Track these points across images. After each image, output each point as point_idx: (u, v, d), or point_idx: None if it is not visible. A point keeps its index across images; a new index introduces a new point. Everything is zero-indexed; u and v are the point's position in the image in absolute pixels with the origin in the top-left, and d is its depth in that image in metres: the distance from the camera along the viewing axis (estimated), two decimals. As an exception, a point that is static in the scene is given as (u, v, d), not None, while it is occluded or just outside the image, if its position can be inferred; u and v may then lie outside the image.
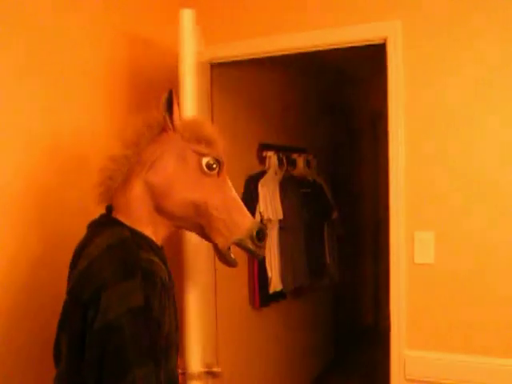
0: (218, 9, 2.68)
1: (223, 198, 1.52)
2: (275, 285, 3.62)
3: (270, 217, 3.50)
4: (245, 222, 1.54)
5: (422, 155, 2.32)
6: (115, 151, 1.49)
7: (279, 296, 3.79)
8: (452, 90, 2.27)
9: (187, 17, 2.06)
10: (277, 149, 3.80)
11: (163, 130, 1.51)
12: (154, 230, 1.48)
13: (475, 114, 2.24)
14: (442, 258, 2.30)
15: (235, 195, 1.56)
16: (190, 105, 2.05)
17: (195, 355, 2.04)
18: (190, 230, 1.60)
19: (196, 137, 1.51)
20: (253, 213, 3.41)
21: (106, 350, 1.23)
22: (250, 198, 3.43)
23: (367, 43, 2.44)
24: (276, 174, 3.72)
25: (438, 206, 2.30)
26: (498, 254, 2.22)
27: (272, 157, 3.72)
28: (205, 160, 1.50)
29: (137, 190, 1.45)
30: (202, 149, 1.51)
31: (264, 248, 1.58)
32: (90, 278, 1.30)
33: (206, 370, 2.04)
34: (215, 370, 2.04)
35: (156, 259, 1.39)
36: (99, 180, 1.48)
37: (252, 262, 3.52)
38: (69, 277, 1.42)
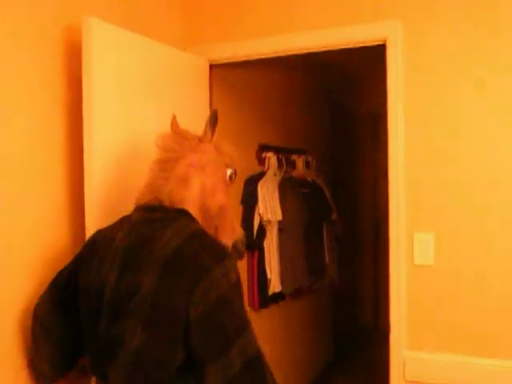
0: (218, 10, 2.68)
1: (232, 205, 1.83)
2: (274, 286, 3.62)
3: (270, 218, 3.49)
4: (238, 228, 1.90)
5: (421, 156, 2.32)
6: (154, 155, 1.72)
7: (278, 297, 3.79)
8: (452, 90, 2.27)
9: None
10: (276, 150, 3.80)
11: (200, 141, 1.76)
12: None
13: (476, 114, 2.24)
14: (441, 259, 2.30)
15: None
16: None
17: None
18: (206, 229, 1.68)
19: (223, 150, 1.80)
20: (252, 214, 3.41)
21: (223, 319, 1.45)
22: (250, 199, 3.43)
23: (367, 44, 2.45)
24: (275, 175, 3.72)
25: (438, 207, 2.30)
26: (497, 256, 2.22)
27: (271, 158, 3.71)
28: (229, 171, 1.80)
29: (196, 189, 1.68)
30: (227, 161, 1.80)
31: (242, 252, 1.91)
32: (187, 261, 1.49)
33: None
34: None
35: None
36: (152, 180, 1.69)
37: (251, 264, 3.52)
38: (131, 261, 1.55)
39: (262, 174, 3.60)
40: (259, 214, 3.45)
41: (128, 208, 2.16)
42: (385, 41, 2.36)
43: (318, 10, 2.47)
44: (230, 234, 1.81)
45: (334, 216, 4.42)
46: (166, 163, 1.68)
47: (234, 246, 1.83)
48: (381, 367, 2.56)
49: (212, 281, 1.45)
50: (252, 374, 1.46)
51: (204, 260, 1.48)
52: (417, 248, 2.34)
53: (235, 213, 2.99)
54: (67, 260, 1.80)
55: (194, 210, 1.66)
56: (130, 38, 2.19)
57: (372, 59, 2.77)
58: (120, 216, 1.74)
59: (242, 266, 3.40)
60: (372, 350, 2.92)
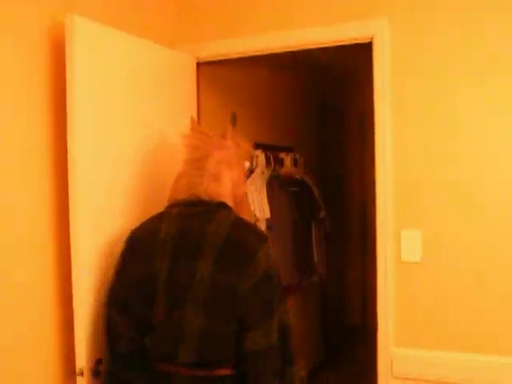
0: (205, 7, 2.68)
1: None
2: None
3: (258, 216, 3.48)
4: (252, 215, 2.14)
5: (408, 155, 2.33)
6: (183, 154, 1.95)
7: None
8: (439, 87, 2.28)
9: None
10: (264, 148, 3.79)
11: (222, 137, 1.99)
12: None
13: (463, 111, 2.25)
14: (428, 256, 2.31)
15: None
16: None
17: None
18: None
19: (241, 145, 2.04)
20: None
21: (268, 292, 1.73)
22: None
23: (354, 42, 2.45)
24: (263, 172, 3.71)
25: (425, 205, 2.31)
26: (484, 253, 2.23)
27: (259, 156, 3.71)
28: (247, 164, 2.09)
29: (227, 183, 1.92)
30: (245, 155, 2.08)
31: None
32: (236, 246, 1.75)
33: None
34: None
35: None
36: (187, 178, 1.90)
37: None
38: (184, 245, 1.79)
39: (249, 172, 3.59)
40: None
41: (116, 207, 2.17)
42: (371, 38, 2.37)
43: (306, 8, 2.47)
44: (249, 217, 2.09)
45: (323, 214, 4.42)
46: (197, 162, 1.90)
47: None
48: (370, 364, 2.56)
49: (258, 260, 1.72)
50: (285, 339, 1.74)
51: (250, 244, 1.76)
52: (404, 245, 2.35)
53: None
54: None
55: (229, 201, 1.90)
56: (115, 36, 2.17)
57: (360, 58, 2.78)
58: (109, 217, 1.94)
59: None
60: (361, 348, 2.93)
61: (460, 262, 2.27)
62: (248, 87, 3.78)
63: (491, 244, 2.22)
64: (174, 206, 1.89)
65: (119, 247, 1.93)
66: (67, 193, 2.00)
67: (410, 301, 2.35)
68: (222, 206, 1.86)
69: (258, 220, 2.14)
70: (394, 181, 2.35)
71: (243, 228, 1.83)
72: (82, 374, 1.96)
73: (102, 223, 2.11)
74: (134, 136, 2.28)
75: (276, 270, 1.79)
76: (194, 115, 2.72)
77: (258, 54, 2.64)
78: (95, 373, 1.97)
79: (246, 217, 1.98)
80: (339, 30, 2.42)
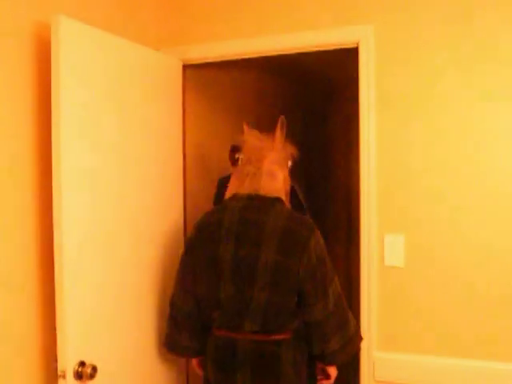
0: (192, 9, 2.67)
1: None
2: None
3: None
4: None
5: (392, 160, 2.35)
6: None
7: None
8: (424, 92, 2.30)
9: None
10: (249, 151, 3.78)
11: (273, 141, 2.31)
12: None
13: (450, 116, 2.27)
14: (411, 260, 2.33)
15: None
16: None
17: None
18: None
19: (287, 147, 2.36)
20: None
21: (322, 273, 2.10)
22: (222, 200, 3.41)
23: (340, 47, 2.47)
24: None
25: (408, 209, 2.33)
26: (467, 257, 2.26)
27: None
28: (290, 163, 2.38)
29: (281, 180, 2.26)
30: (289, 156, 2.36)
31: None
32: (293, 236, 2.08)
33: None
34: None
35: None
36: (248, 176, 2.22)
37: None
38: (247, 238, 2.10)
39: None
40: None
41: (103, 210, 2.15)
42: (357, 44, 2.39)
43: (293, 13, 2.48)
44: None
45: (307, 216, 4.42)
46: (257, 162, 2.22)
47: None
48: (352, 367, 2.57)
49: (311, 247, 2.07)
50: (340, 308, 2.14)
51: (303, 233, 2.09)
52: (387, 250, 2.36)
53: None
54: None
55: (282, 196, 2.24)
56: (101, 37, 2.16)
57: (345, 63, 2.79)
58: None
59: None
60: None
61: (443, 267, 2.29)
62: (234, 90, 3.78)
63: (475, 249, 2.25)
64: (234, 199, 2.20)
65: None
66: (51, 197, 1.98)
67: (392, 305, 2.36)
68: (277, 200, 2.19)
69: None
70: (378, 185, 2.36)
71: (296, 220, 2.13)
72: (64, 376, 1.94)
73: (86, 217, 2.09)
74: (121, 141, 2.27)
75: (325, 253, 2.14)
76: (180, 117, 2.72)
77: (244, 57, 2.64)
78: (78, 375, 1.96)
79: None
80: (325, 35, 2.43)
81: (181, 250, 2.47)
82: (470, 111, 2.24)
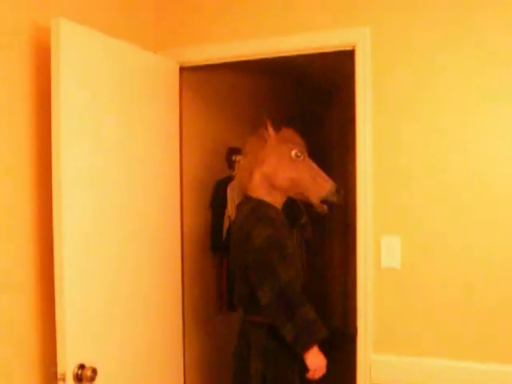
0: (189, 12, 2.67)
1: (309, 172, 2.59)
2: (244, 289, 3.63)
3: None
4: (325, 185, 2.59)
5: (389, 162, 2.35)
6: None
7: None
8: (420, 95, 2.30)
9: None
10: (246, 153, 3.78)
11: (265, 141, 2.59)
12: (271, 199, 2.54)
13: (446, 119, 2.27)
14: (408, 262, 2.33)
15: (317, 169, 2.63)
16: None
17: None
18: (296, 196, 2.67)
19: (285, 139, 2.59)
20: (221, 217, 3.40)
21: (263, 261, 2.35)
22: (219, 202, 3.41)
23: (336, 49, 2.47)
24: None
25: (405, 211, 2.33)
26: (463, 259, 2.26)
27: (241, 161, 3.70)
28: (293, 152, 2.57)
29: (257, 178, 2.55)
30: (290, 145, 2.57)
31: (341, 197, 2.62)
32: (242, 230, 2.46)
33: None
34: None
35: (274, 211, 2.50)
36: (239, 177, 2.72)
37: (220, 266, 3.50)
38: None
39: (231, 178, 3.59)
40: (228, 217, 3.44)
41: (103, 210, 2.15)
42: (354, 46, 2.39)
43: (289, 15, 2.48)
44: (316, 193, 2.58)
45: (304, 219, 4.42)
46: (243, 165, 2.66)
47: (324, 201, 2.58)
48: (349, 368, 2.57)
49: (252, 238, 2.36)
50: (282, 301, 2.33)
51: (249, 225, 2.42)
52: (384, 251, 2.36)
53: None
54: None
55: (262, 192, 2.53)
56: (100, 40, 2.17)
57: (344, 66, 2.80)
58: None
59: (210, 268, 3.39)
60: (341, 354, 2.94)
61: (440, 268, 2.29)
62: (231, 93, 3.78)
63: (472, 250, 2.25)
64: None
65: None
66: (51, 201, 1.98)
67: (389, 307, 2.36)
68: (249, 198, 2.54)
69: (332, 194, 2.61)
70: (375, 187, 2.37)
71: (249, 213, 2.46)
72: (64, 379, 1.93)
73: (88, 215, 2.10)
74: (120, 142, 2.27)
75: (267, 244, 2.34)
76: (177, 119, 2.72)
77: (241, 59, 2.64)
78: (78, 378, 1.95)
79: (313, 196, 2.59)
80: (322, 38, 2.44)
81: (179, 249, 2.48)
82: (470, 111, 2.24)
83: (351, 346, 2.47)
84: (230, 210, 3.43)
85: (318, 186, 2.58)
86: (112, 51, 2.23)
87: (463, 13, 2.23)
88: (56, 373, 1.94)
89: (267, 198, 2.53)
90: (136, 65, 2.39)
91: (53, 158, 1.95)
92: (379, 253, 2.37)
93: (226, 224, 3.41)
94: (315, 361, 2.34)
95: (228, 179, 3.54)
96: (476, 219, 2.24)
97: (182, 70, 2.77)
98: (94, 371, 1.97)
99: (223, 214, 3.41)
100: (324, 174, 2.61)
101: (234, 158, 3.67)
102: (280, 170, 2.53)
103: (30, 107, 2.02)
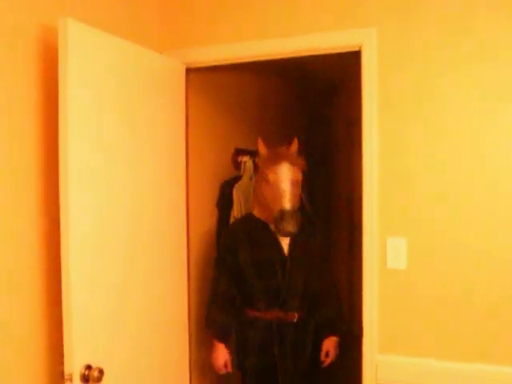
0: (195, 13, 2.68)
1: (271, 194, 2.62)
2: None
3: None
4: (275, 207, 2.58)
5: (395, 163, 2.35)
6: None
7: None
8: (426, 95, 2.30)
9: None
10: (252, 154, 3.80)
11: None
12: (258, 211, 2.78)
13: (453, 120, 2.27)
14: (413, 263, 2.33)
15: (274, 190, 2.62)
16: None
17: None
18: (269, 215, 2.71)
19: (263, 162, 2.72)
20: (227, 217, 3.41)
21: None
22: (225, 203, 3.42)
23: (342, 50, 2.47)
24: (251, 179, 3.71)
25: (411, 212, 2.33)
26: (469, 260, 2.25)
27: (247, 162, 3.70)
28: (270, 177, 2.61)
29: (254, 196, 2.84)
30: (264, 170, 2.66)
31: (285, 225, 2.51)
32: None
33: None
34: None
35: (242, 224, 2.84)
36: None
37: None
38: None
39: (237, 178, 3.59)
40: (234, 218, 3.45)
41: (113, 216, 2.15)
42: (360, 47, 2.39)
43: (296, 16, 2.49)
44: (267, 214, 2.68)
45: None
46: None
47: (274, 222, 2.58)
48: (355, 369, 2.57)
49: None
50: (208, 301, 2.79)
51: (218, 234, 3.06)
52: (390, 253, 2.36)
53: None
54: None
55: (255, 208, 2.81)
56: (108, 40, 2.17)
57: (348, 67, 2.80)
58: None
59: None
60: (346, 354, 2.94)
61: (445, 270, 2.29)
62: (237, 94, 3.79)
63: (477, 252, 2.25)
64: None
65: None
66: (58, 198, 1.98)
67: (395, 308, 2.36)
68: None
69: (280, 217, 2.55)
70: (381, 188, 2.37)
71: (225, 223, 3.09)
72: (71, 379, 1.93)
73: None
74: (126, 142, 2.28)
75: (220, 248, 2.84)
76: (183, 120, 2.73)
77: (247, 60, 2.64)
78: (85, 379, 1.95)
79: (265, 216, 2.71)
80: (328, 38, 2.44)
81: (185, 250, 2.48)
82: (472, 111, 2.24)
83: (357, 346, 2.47)
84: (236, 210, 3.44)
85: (269, 209, 2.66)
86: (119, 51, 2.24)
87: (465, 11, 2.23)
88: (63, 372, 1.94)
89: (255, 212, 2.81)
90: (142, 65, 2.40)
91: (60, 159, 1.96)
92: (385, 254, 2.37)
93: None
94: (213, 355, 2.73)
95: (234, 180, 3.55)
96: (481, 220, 2.23)
97: (188, 71, 2.77)
98: (101, 372, 1.98)
99: (229, 214, 3.42)
100: (280, 195, 2.60)
101: (240, 159, 3.68)
102: (259, 190, 2.72)
103: (35, 107, 2.03)
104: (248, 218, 2.84)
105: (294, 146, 2.74)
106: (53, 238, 2.01)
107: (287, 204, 2.53)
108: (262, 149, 2.75)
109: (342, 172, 5.60)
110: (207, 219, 3.30)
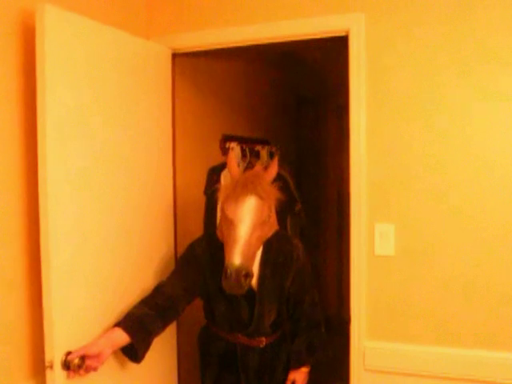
0: (181, -2, 2.65)
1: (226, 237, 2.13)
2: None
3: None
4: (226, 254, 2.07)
5: (383, 148, 2.34)
6: None
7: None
8: (414, 81, 2.28)
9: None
10: (240, 140, 3.78)
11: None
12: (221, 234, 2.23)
13: (440, 105, 2.26)
14: (401, 249, 2.33)
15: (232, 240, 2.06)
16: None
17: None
18: None
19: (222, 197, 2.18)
20: (215, 204, 3.39)
21: None
22: (212, 188, 3.40)
23: (329, 35, 2.45)
24: (239, 165, 3.69)
25: (399, 199, 2.33)
26: (456, 246, 2.26)
27: (235, 148, 3.69)
28: (226, 212, 2.11)
29: None
30: (224, 204, 2.14)
31: (227, 285, 2.01)
32: None
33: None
34: None
35: (209, 247, 2.30)
36: None
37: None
38: None
39: (225, 165, 3.57)
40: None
41: (91, 209, 2.12)
42: (347, 32, 2.37)
43: (280, 0, 2.46)
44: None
45: (298, 207, 4.42)
46: None
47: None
48: (343, 357, 2.58)
49: None
50: None
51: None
52: (377, 239, 2.36)
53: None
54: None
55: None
56: (89, 26, 2.13)
57: (337, 52, 2.78)
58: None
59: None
60: (335, 340, 2.95)
61: (433, 256, 2.29)
62: (224, 79, 3.76)
63: (465, 238, 2.25)
64: None
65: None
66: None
67: (382, 294, 2.37)
68: None
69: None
70: (369, 174, 2.36)
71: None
72: (51, 366, 1.92)
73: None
74: (110, 134, 2.25)
75: (182, 260, 2.35)
76: (169, 106, 2.70)
77: (234, 45, 2.62)
78: (65, 366, 1.93)
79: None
80: (315, 23, 2.42)
81: (171, 248, 2.54)
82: (468, 100, 2.24)
83: (345, 332, 2.48)
84: (224, 197, 3.41)
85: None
86: (99, 37, 2.19)
87: (463, 9, 2.21)
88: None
89: (219, 234, 2.27)
90: (124, 50, 2.35)
91: (39, 149, 1.92)
92: (373, 240, 2.37)
93: (220, 212, 3.41)
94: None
95: (222, 166, 3.53)
96: (471, 208, 2.24)
97: (175, 56, 2.74)
98: (82, 359, 1.94)
99: (217, 200, 3.40)
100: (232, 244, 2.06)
101: (228, 145, 3.66)
102: (220, 217, 2.27)
103: (15, 97, 1.99)
104: (212, 240, 2.32)
105: (272, 171, 2.26)
106: (37, 236, 1.99)
107: (236, 259, 2.00)
108: (232, 169, 2.27)
109: (332, 156, 5.60)
110: (196, 207, 3.27)
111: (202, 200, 3.31)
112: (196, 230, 3.08)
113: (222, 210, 2.15)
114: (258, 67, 4.26)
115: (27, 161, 2.02)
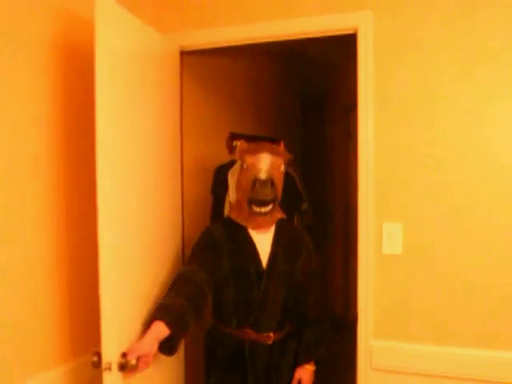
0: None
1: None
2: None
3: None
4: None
5: (391, 147, 2.33)
6: None
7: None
8: (421, 81, 2.28)
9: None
10: (247, 138, 3.76)
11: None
12: (234, 214, 2.50)
13: (448, 105, 2.26)
14: (409, 249, 2.32)
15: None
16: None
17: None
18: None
19: (239, 157, 2.49)
20: (222, 202, 3.38)
21: None
22: (220, 187, 3.39)
23: (338, 33, 2.44)
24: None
25: (406, 198, 2.32)
26: (464, 246, 2.25)
27: (243, 145, 3.67)
28: (241, 162, 2.40)
29: None
30: (242, 157, 2.45)
31: (259, 193, 2.28)
32: None
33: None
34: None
35: (223, 228, 2.44)
36: None
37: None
38: None
39: (232, 163, 3.56)
40: (229, 203, 3.42)
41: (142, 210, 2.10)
42: (356, 30, 2.36)
43: (290, -2, 2.46)
44: (244, 213, 2.43)
45: (305, 205, 4.41)
46: None
47: None
48: (349, 356, 2.57)
49: None
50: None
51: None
52: (385, 238, 2.35)
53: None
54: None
55: (234, 211, 2.53)
56: (127, 19, 2.11)
57: (346, 49, 2.77)
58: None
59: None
60: (342, 339, 2.94)
61: (441, 256, 2.28)
62: (231, 77, 3.76)
63: (471, 238, 2.25)
64: None
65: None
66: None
67: (390, 293, 2.36)
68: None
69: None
70: (377, 173, 2.35)
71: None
72: (109, 368, 1.87)
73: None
74: (134, 131, 2.24)
75: (194, 246, 2.37)
76: (178, 105, 2.69)
77: (242, 43, 2.61)
78: (122, 367, 1.89)
79: (242, 205, 2.41)
80: (324, 21, 2.41)
81: (179, 244, 2.55)
82: (474, 101, 2.23)
83: (352, 331, 2.47)
84: (231, 195, 3.40)
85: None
86: (132, 31, 2.17)
87: (467, 10, 2.21)
88: (96, 362, 1.88)
89: (233, 215, 2.52)
90: (146, 46, 2.31)
91: (97, 140, 1.92)
92: (380, 239, 2.36)
93: (227, 210, 3.40)
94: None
95: (229, 164, 3.51)
96: (478, 207, 2.23)
97: (183, 54, 2.74)
98: (138, 359, 1.90)
99: (224, 199, 3.39)
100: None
101: (235, 143, 3.64)
102: (234, 184, 2.58)
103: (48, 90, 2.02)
104: (227, 222, 2.48)
105: (279, 146, 2.51)
106: (74, 228, 2.08)
107: (262, 175, 2.27)
108: (242, 144, 2.53)
109: (339, 154, 5.58)
110: (201, 208, 3.27)
111: (208, 199, 3.30)
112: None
113: (241, 167, 2.38)
114: (265, 65, 4.26)
115: (65, 155, 2.03)
